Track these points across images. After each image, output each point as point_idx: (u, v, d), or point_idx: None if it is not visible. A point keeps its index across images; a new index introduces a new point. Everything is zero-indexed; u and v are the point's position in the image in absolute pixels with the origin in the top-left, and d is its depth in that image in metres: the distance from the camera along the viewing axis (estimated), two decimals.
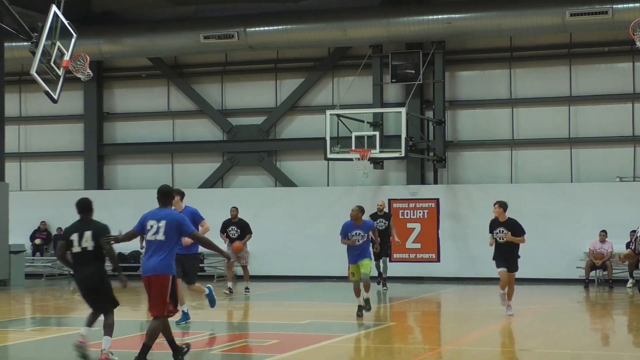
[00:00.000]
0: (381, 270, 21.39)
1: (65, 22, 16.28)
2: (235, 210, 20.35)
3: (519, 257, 15.70)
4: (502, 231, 15.38)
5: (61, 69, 16.34)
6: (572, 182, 24.63)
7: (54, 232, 27.14)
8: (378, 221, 20.77)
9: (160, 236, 10.10)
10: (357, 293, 15.30)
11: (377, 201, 22.87)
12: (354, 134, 22.90)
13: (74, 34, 16.59)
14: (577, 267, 23.20)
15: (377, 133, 23.25)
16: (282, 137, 27.07)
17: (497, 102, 25.45)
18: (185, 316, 14.56)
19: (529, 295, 19.70)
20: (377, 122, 24.46)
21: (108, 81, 28.60)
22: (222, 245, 19.31)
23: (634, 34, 17.78)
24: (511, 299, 15.83)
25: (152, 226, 10.16)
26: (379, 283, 21.16)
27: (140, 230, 10.34)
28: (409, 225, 24.84)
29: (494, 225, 15.56)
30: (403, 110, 23.05)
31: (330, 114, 23.18)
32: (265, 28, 25.19)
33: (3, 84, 24.19)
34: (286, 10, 25.62)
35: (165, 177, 27.55)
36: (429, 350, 12.63)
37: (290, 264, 25.36)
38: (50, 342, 12.81)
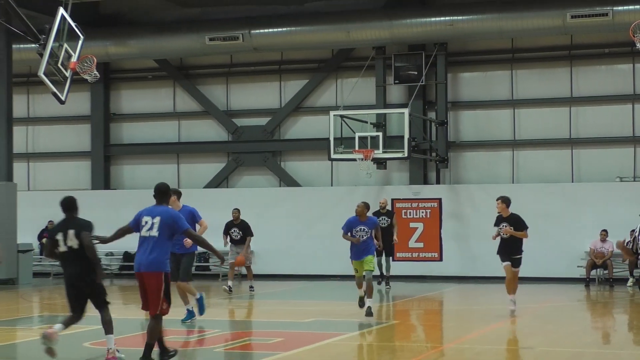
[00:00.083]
0: (384, 269, 21.37)
1: (73, 24, 16.31)
2: (237, 212, 20.36)
3: (522, 251, 15.64)
4: (505, 226, 15.36)
5: (68, 71, 16.38)
6: (572, 182, 24.62)
7: None
8: (380, 218, 20.71)
9: (154, 232, 10.02)
10: (360, 286, 15.18)
11: (382, 198, 22.90)
12: (357, 135, 22.91)
13: (81, 36, 16.63)
14: (577, 266, 23.19)
15: (380, 134, 23.25)
16: (286, 138, 27.07)
17: (498, 103, 25.44)
18: (190, 314, 14.55)
19: (530, 294, 19.68)
20: (380, 123, 24.46)
21: (115, 82, 28.62)
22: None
23: (634, 36, 17.79)
24: (515, 293, 15.76)
25: (146, 222, 10.09)
26: (379, 283, 21.13)
27: (134, 226, 10.26)
28: (412, 224, 24.84)
29: (499, 221, 15.56)
30: (406, 111, 23.05)
31: (334, 115, 23.19)
32: (270, 30, 25.19)
33: (11, 86, 24.21)
34: (290, 13, 25.63)
35: (171, 177, 27.56)
36: (431, 349, 12.64)
37: (295, 263, 25.36)
38: (59, 340, 12.80)
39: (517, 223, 15.45)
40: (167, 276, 10.11)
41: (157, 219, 10.05)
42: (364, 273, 15.00)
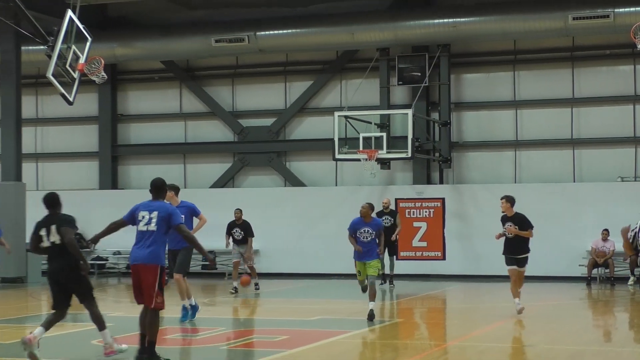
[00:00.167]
0: (387, 268, 21.35)
1: (81, 26, 16.32)
2: (239, 212, 20.30)
3: (529, 251, 15.39)
4: (510, 225, 15.13)
5: (76, 72, 16.38)
6: (574, 182, 24.59)
7: None
8: (384, 218, 20.73)
9: (152, 227, 10.04)
10: (365, 290, 14.77)
11: (385, 198, 22.90)
12: (361, 135, 22.90)
13: (89, 38, 16.63)
14: (579, 265, 23.17)
15: (384, 134, 23.23)
16: (291, 138, 27.08)
17: (501, 104, 25.42)
18: (187, 312, 14.40)
19: (532, 292, 19.66)
20: (384, 124, 24.44)
21: (122, 84, 28.64)
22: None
23: (635, 37, 17.75)
24: (519, 296, 15.53)
25: (143, 217, 10.11)
26: (382, 283, 21.07)
27: (129, 219, 10.27)
28: (415, 224, 24.83)
29: (503, 221, 15.36)
30: (409, 111, 23.04)
31: (339, 116, 23.18)
32: (275, 32, 25.19)
33: (20, 87, 24.26)
34: (295, 15, 25.64)
35: (178, 177, 27.57)
36: (435, 346, 12.63)
37: (299, 262, 25.36)
38: (66, 338, 12.85)
39: (522, 222, 15.25)
40: (162, 270, 10.07)
41: (154, 214, 10.08)
42: (366, 276, 14.63)
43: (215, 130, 27.72)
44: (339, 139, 23.04)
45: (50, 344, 12.35)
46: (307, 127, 26.81)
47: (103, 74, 17.38)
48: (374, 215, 15.39)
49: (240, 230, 20.13)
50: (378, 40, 24.56)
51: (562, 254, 23.20)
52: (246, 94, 27.41)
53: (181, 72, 27.80)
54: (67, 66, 16.11)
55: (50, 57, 15.90)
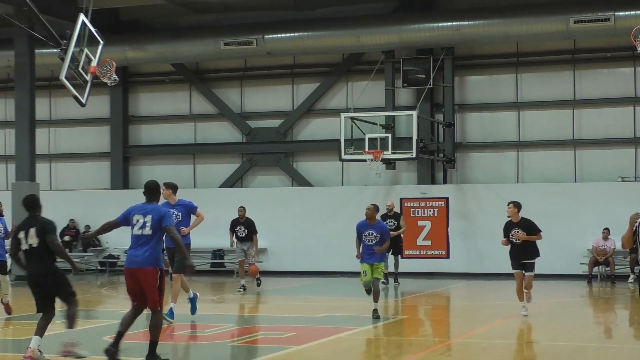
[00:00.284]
0: (393, 267, 21.32)
1: (93, 30, 16.33)
2: (243, 209, 20.11)
3: (538, 255, 14.84)
4: (517, 231, 14.61)
5: (89, 75, 16.38)
6: (575, 182, 24.55)
7: (82, 229, 27.27)
8: (388, 221, 20.62)
9: (147, 230, 9.87)
10: (369, 292, 14.50)
11: (389, 200, 22.90)
12: (367, 136, 22.90)
13: (101, 41, 16.65)
14: (580, 263, 23.14)
15: (389, 135, 23.22)
16: (298, 139, 27.08)
17: (504, 105, 25.39)
18: (171, 314, 13.85)
19: (534, 290, 19.49)
20: (389, 125, 24.43)
21: (133, 86, 28.67)
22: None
23: (635, 40, 17.71)
24: (529, 299, 15.09)
25: (138, 220, 9.93)
26: (386, 284, 21.02)
27: (122, 221, 10.08)
28: (420, 223, 24.82)
29: (509, 227, 14.79)
30: (414, 113, 23.03)
31: (345, 117, 23.18)
32: (283, 35, 25.20)
33: (34, 89, 24.29)
34: (302, 18, 25.64)
35: (188, 178, 27.64)
36: (439, 343, 12.62)
37: (306, 260, 25.36)
38: (78, 334, 12.85)
39: (531, 227, 14.72)
40: (162, 272, 9.94)
41: (148, 218, 9.90)
42: (372, 279, 14.38)
43: (224, 132, 27.74)
44: (345, 140, 23.05)
45: (61, 340, 12.37)
46: (314, 128, 26.82)
47: (115, 76, 17.41)
48: (378, 217, 15.27)
49: (244, 228, 19.95)
50: (383, 43, 24.55)
51: (563, 252, 23.16)
52: (254, 96, 27.42)
53: (191, 75, 27.82)
54: (80, 69, 16.12)
55: (63, 60, 15.91)
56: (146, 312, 10.16)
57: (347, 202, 24.67)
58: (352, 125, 23.26)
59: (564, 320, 14.91)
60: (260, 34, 25.05)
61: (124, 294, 10.95)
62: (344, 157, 23.23)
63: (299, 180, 26.66)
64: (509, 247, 14.93)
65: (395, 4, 25.33)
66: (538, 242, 14.90)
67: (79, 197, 27.75)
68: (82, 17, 16.13)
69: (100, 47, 16.62)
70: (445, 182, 25.47)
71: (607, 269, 22.70)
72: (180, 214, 13.87)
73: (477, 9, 24.23)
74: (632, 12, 22.20)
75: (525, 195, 21.57)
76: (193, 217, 14.46)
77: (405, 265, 22.90)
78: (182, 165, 27.92)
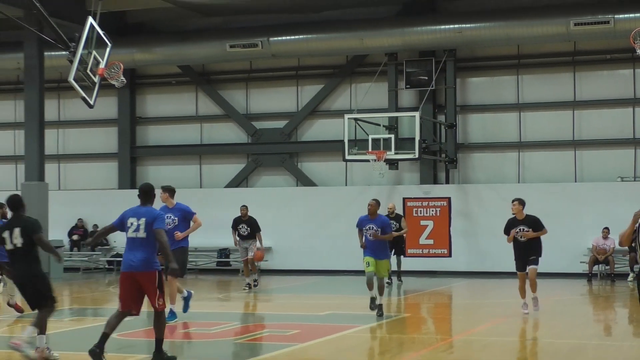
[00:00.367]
0: (395, 266, 21.30)
1: (101, 32, 16.34)
2: (245, 208, 19.97)
3: (540, 255, 14.72)
4: (523, 229, 14.53)
5: (97, 77, 16.40)
6: (576, 182, 24.53)
7: (90, 228, 27.30)
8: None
9: (142, 233, 9.76)
10: (370, 286, 14.35)
11: (392, 200, 22.94)
12: (370, 137, 22.91)
13: (109, 44, 16.66)
14: (580, 262, 23.12)
15: (392, 136, 23.24)
16: (303, 140, 27.08)
17: (505, 106, 25.37)
18: (172, 315, 13.79)
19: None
20: (392, 126, 24.45)
21: (140, 87, 28.69)
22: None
23: (634, 42, 17.69)
24: (537, 305, 14.83)
25: (132, 223, 9.83)
26: (390, 283, 21.02)
27: (119, 225, 9.97)
28: (423, 222, 24.81)
29: (513, 224, 14.68)
30: (417, 114, 23.03)
31: (348, 118, 23.20)
32: (287, 37, 25.21)
33: (43, 91, 24.32)
34: (307, 21, 25.64)
35: (194, 178, 27.67)
36: (441, 340, 12.62)
37: (310, 259, 25.36)
38: (87, 331, 12.88)
39: (536, 224, 14.66)
40: (160, 273, 9.85)
41: (142, 220, 9.78)
42: (374, 270, 14.26)
43: (229, 132, 27.75)
44: (349, 141, 23.07)
45: (71, 338, 12.40)
46: (318, 129, 26.82)
47: (122, 78, 17.41)
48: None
49: (247, 227, 19.82)
50: (386, 46, 24.55)
51: (564, 251, 23.12)
52: (259, 97, 27.43)
53: (197, 77, 27.84)
54: (88, 71, 16.14)
55: (71, 62, 15.93)
56: (148, 311, 10.13)
57: (350, 202, 24.66)
58: (355, 126, 23.28)
59: (564, 318, 14.90)
60: (266, 36, 25.07)
61: None
62: (347, 157, 23.24)
63: (304, 180, 26.67)
64: (511, 245, 14.80)
65: (398, 7, 25.33)
66: (547, 232, 14.77)
67: (87, 197, 27.79)
68: (90, 20, 16.14)
69: (108, 49, 16.63)
70: (447, 182, 25.45)
71: (607, 267, 22.68)
72: (176, 218, 13.71)
73: (479, 12, 24.23)
74: (632, 15, 22.17)
75: (526, 195, 21.40)
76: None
77: (408, 263, 22.89)
78: (189, 165, 27.94)
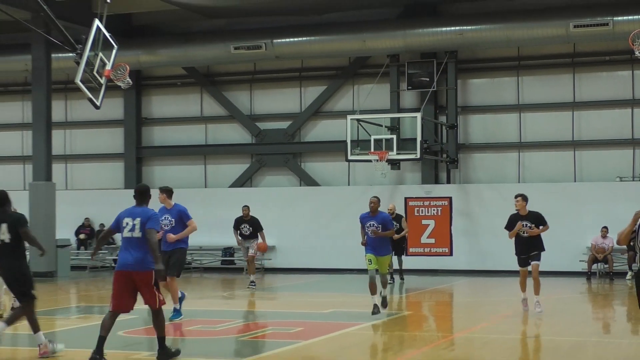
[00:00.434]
0: (397, 264, 21.27)
1: (107, 34, 16.37)
2: (247, 208, 19.84)
3: (543, 250, 14.66)
4: (526, 225, 14.47)
5: (103, 78, 16.43)
6: (575, 181, 24.52)
7: (97, 227, 27.33)
8: None
9: (137, 233, 9.70)
10: (373, 290, 14.17)
11: (394, 200, 22.95)
12: (372, 137, 22.91)
13: (115, 46, 16.69)
14: (580, 261, 23.11)
15: (394, 136, 23.25)
16: (306, 140, 27.09)
17: (505, 107, 25.36)
18: (179, 313, 13.76)
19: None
20: (394, 126, 24.46)
21: (146, 89, 28.72)
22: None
23: (633, 44, 17.69)
24: (540, 307, 14.59)
25: (127, 223, 9.77)
26: (392, 282, 20.97)
27: (115, 228, 9.94)
28: (424, 221, 24.81)
29: (515, 219, 14.59)
30: (418, 115, 23.02)
31: (351, 119, 23.19)
32: (291, 39, 25.22)
33: (50, 92, 24.36)
34: (310, 23, 25.65)
35: (198, 178, 27.69)
36: (442, 338, 12.62)
37: (313, 258, 25.38)
38: (94, 329, 12.88)
39: (539, 219, 14.63)
40: (154, 271, 9.74)
41: (137, 220, 9.72)
42: (378, 273, 14.28)
43: (234, 133, 27.76)
44: (352, 141, 23.07)
45: (77, 335, 12.41)
46: (321, 130, 26.83)
47: (128, 79, 17.43)
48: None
49: (249, 226, 19.74)
50: (388, 47, 24.56)
51: (563, 250, 23.11)
52: (263, 99, 27.45)
53: (202, 78, 27.85)
54: (95, 72, 16.17)
55: (78, 64, 15.96)
56: (148, 310, 10.13)
57: (353, 202, 24.65)
58: (358, 127, 23.29)
59: (564, 315, 14.89)
60: (269, 38, 25.08)
61: None
62: (350, 157, 23.24)
63: (307, 180, 26.68)
64: (512, 243, 14.76)
65: (400, 9, 25.33)
66: (549, 228, 14.71)
67: (94, 197, 27.81)
68: (96, 22, 16.17)
69: (114, 51, 16.66)
70: (448, 182, 25.45)
71: (606, 266, 22.66)
72: (173, 219, 13.63)
73: (480, 14, 24.23)
74: (630, 17, 22.16)
75: (527, 194, 21.55)
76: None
77: (410, 262, 22.90)
78: (193, 165, 27.96)
